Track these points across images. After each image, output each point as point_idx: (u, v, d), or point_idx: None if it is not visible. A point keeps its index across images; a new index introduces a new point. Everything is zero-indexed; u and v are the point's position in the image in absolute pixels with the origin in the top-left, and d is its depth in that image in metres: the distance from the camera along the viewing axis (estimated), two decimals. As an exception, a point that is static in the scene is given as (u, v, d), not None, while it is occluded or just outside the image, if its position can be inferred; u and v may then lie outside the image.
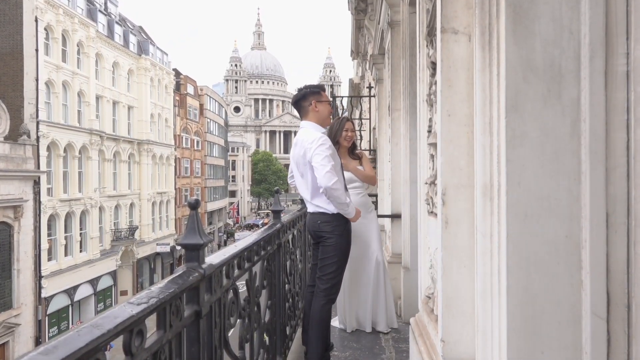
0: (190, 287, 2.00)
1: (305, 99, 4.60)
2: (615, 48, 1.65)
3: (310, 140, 4.30)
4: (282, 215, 4.51)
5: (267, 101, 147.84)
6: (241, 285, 2.85)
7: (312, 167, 4.26)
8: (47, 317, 30.16)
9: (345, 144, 5.53)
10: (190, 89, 58.49)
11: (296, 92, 4.71)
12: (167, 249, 47.29)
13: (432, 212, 3.09)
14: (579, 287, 1.74)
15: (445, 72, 2.65)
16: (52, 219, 31.28)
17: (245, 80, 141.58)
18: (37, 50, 29.55)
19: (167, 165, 50.01)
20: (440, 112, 2.66)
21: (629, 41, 1.60)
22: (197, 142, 61.14)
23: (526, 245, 1.77)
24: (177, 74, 55.13)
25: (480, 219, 2.05)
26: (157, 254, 46.82)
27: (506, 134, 1.79)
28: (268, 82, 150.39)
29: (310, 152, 4.26)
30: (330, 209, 4.38)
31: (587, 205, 1.71)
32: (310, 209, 4.57)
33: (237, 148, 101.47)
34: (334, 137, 5.41)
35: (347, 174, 5.22)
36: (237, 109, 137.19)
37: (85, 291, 34.84)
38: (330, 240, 4.40)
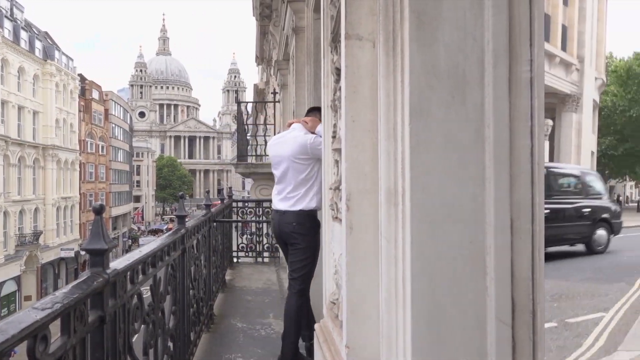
0: (94, 293, 2.02)
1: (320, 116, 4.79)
2: (519, 54, 1.68)
3: (312, 137, 4.48)
4: (186, 220, 4.50)
5: (172, 106, 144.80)
6: (145, 291, 2.86)
7: (315, 160, 4.41)
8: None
9: None
10: (95, 94, 58.98)
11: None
12: (72, 254, 46.99)
13: (336, 217, 3.07)
14: (483, 293, 1.75)
15: (349, 78, 2.63)
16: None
17: (151, 86, 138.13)
18: None
19: (72, 170, 49.97)
20: (344, 117, 2.64)
21: (533, 48, 1.63)
22: (102, 147, 61.33)
23: (431, 250, 1.76)
24: (82, 79, 55.54)
25: (385, 225, 2.03)
26: (62, 259, 46.78)
27: (410, 139, 1.78)
28: (173, 88, 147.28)
29: (314, 147, 4.40)
30: (311, 205, 4.44)
31: (492, 211, 1.73)
32: (284, 205, 4.53)
33: (142, 153, 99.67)
34: None
35: None
36: (142, 114, 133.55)
37: (-12, 297, 33.43)
38: (304, 242, 4.45)
